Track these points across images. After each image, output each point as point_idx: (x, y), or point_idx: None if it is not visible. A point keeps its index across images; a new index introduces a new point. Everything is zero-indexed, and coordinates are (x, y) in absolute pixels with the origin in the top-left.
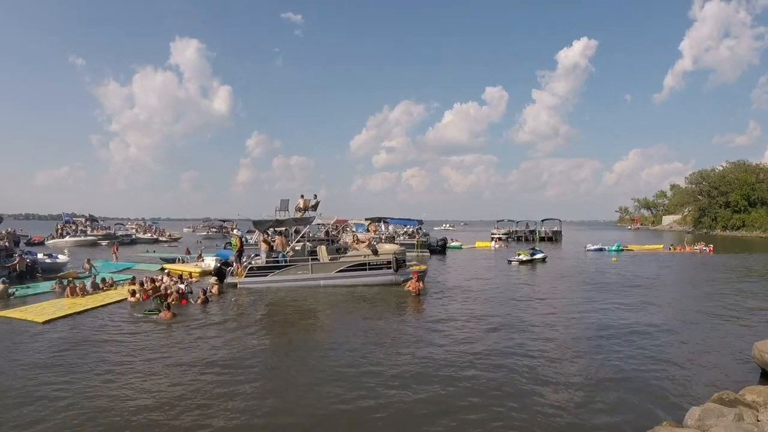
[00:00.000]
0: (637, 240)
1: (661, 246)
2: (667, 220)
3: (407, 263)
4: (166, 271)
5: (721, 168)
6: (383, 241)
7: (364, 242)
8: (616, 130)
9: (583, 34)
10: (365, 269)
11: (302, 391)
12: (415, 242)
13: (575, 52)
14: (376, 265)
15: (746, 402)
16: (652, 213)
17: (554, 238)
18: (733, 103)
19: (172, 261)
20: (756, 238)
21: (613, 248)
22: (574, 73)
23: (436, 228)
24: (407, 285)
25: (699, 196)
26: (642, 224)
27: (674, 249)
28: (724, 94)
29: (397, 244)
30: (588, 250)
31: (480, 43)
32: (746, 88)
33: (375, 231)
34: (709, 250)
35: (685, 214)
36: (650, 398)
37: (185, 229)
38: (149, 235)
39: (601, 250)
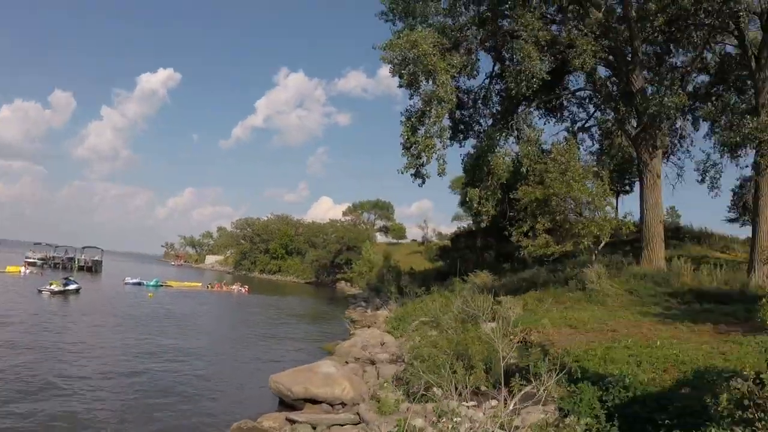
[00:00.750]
0: (179, 276)
1: (200, 284)
2: (210, 259)
3: None
4: None
5: (266, 218)
6: None
7: None
8: (177, 165)
9: (170, 64)
10: None
11: None
12: None
13: (158, 79)
14: None
15: (264, 428)
16: (196, 251)
17: (94, 268)
18: (291, 164)
19: None
20: (290, 282)
21: (152, 283)
22: (150, 100)
23: None
24: None
25: (242, 240)
26: (186, 261)
27: (212, 288)
28: (285, 154)
29: None
30: (126, 284)
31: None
32: (305, 154)
33: None
34: (245, 290)
35: (228, 255)
36: None
37: None
38: None
39: (139, 284)
